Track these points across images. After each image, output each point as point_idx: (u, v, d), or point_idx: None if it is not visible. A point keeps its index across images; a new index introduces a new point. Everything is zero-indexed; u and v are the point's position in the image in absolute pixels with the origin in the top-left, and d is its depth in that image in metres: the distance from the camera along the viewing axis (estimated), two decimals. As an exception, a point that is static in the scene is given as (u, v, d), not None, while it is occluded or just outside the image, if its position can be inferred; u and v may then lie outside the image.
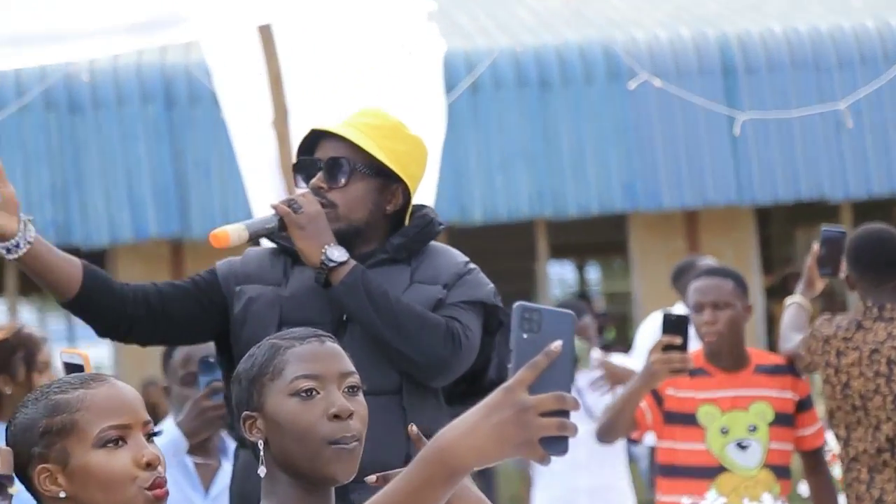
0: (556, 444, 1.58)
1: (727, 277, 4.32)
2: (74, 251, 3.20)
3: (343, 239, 3.16)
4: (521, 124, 10.84)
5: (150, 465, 1.96)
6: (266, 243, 3.45)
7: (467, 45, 10.99)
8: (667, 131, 10.91)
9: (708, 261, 6.28)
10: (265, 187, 4.98)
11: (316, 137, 3.25)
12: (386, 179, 3.17)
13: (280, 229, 3.16)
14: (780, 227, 15.34)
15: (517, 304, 1.63)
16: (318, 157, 3.20)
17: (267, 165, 5.01)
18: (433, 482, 1.64)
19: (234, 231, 3.12)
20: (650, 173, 10.92)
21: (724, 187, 10.96)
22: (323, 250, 3.11)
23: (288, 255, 3.25)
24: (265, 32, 5.32)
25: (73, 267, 3.07)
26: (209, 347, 3.66)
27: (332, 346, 2.18)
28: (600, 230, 12.91)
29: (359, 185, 3.16)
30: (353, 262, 3.13)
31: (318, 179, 3.17)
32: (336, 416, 2.11)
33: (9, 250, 2.93)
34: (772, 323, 12.60)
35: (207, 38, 5.17)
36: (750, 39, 11.07)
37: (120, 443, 1.97)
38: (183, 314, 3.22)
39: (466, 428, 1.62)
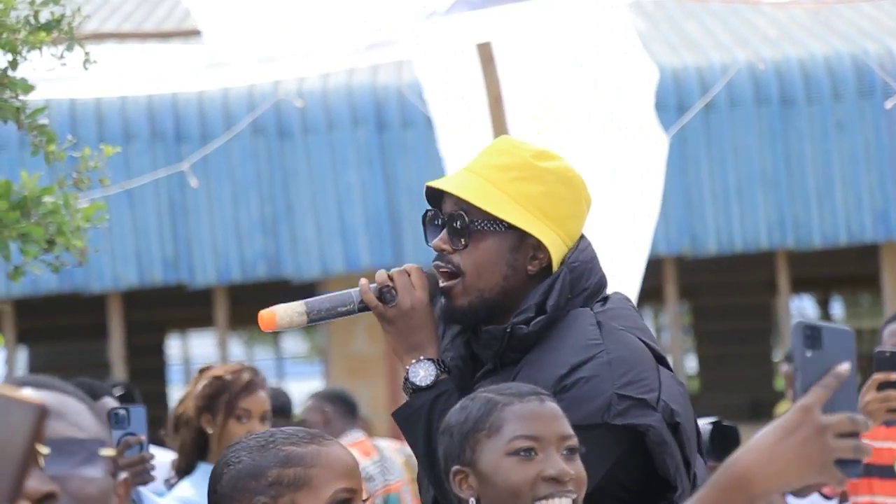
0: (851, 466, 1.68)
1: None
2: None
3: (477, 315, 2.71)
4: (760, 146, 10.72)
5: None
6: None
7: (701, 60, 10.93)
8: (925, 152, 10.62)
9: None
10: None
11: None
12: (522, 232, 2.70)
13: (360, 311, 2.72)
14: None
15: (797, 321, 1.75)
16: (444, 210, 2.76)
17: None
18: None
19: (285, 312, 2.66)
20: (906, 199, 10.65)
21: None
22: (409, 364, 2.69)
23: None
24: (485, 53, 5.42)
25: None
26: (113, 400, 3.81)
27: (552, 406, 2.26)
28: (848, 262, 12.63)
29: (485, 245, 2.69)
30: (440, 387, 2.68)
31: (441, 240, 2.73)
32: (553, 479, 2.19)
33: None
34: None
35: (428, 56, 5.31)
36: None
37: None
38: None
39: (765, 451, 1.67)
